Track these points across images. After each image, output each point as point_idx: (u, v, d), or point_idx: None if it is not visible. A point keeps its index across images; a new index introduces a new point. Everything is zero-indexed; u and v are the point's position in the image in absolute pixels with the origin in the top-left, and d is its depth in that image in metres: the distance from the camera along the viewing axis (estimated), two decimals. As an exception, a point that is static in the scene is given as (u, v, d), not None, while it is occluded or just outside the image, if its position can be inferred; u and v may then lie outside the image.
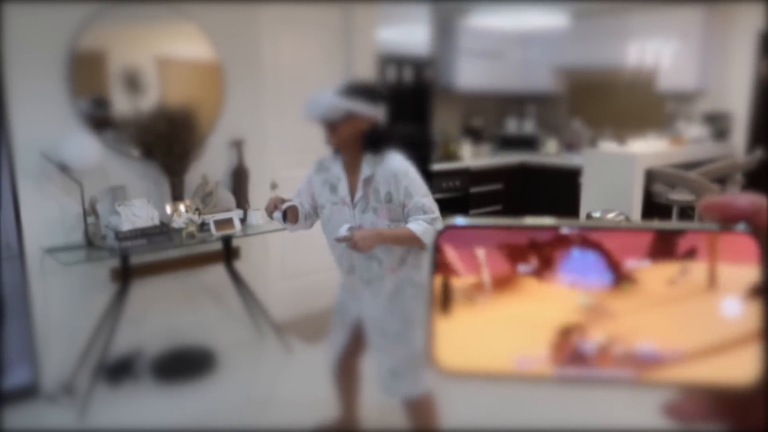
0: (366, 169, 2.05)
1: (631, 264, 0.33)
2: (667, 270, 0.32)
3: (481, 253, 0.33)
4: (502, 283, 0.33)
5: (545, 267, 0.33)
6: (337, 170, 2.13)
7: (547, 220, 0.34)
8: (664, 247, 0.32)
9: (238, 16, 3.38)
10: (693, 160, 4.81)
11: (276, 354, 3.45)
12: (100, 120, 3.02)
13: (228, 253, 3.32)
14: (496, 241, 0.33)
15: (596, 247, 0.33)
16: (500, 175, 6.04)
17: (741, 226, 0.32)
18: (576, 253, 0.33)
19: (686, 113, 5.51)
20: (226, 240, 3.22)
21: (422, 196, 2.04)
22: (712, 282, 0.32)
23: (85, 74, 2.96)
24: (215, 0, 3.26)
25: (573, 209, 4.82)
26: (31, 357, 3.00)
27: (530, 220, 0.33)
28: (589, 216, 4.09)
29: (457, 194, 5.68)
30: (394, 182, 2.02)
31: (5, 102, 2.73)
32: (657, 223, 0.33)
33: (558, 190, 5.87)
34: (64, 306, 3.02)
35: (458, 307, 0.33)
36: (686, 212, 4.57)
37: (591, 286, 0.33)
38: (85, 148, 2.84)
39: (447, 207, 5.62)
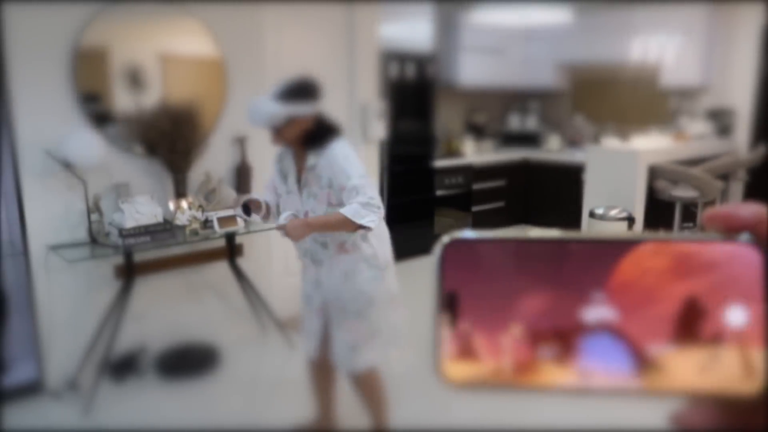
0: (311, 159, 2.14)
1: (656, 349, 0.32)
2: (695, 355, 0.31)
3: (506, 340, 0.33)
4: (521, 367, 0.33)
5: (566, 352, 0.32)
6: (288, 162, 2.23)
7: (553, 233, 0.33)
8: (689, 328, 0.31)
9: (241, 13, 3.37)
10: (696, 156, 4.81)
11: (279, 350, 3.45)
12: (98, 116, 3.02)
13: (231, 250, 3.33)
14: (501, 260, 0.33)
15: (617, 331, 0.32)
16: (503, 171, 6.04)
17: (744, 237, 0.31)
18: (596, 339, 0.32)
19: (689, 109, 5.49)
20: (230, 237, 3.23)
21: (358, 177, 2.08)
22: (748, 367, 0.31)
23: (88, 71, 2.96)
24: (218, -3, 3.26)
25: (576, 206, 4.82)
26: (35, 353, 3.01)
27: (535, 233, 0.33)
28: (592, 213, 4.09)
29: (459, 191, 5.68)
30: (333, 167, 2.10)
31: (9, 99, 2.74)
32: (660, 234, 0.32)
33: (561, 187, 5.86)
34: (68, 303, 3.03)
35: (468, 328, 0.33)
36: (689, 209, 4.56)
37: (611, 376, 0.32)
38: (88, 145, 2.85)
39: (450, 204, 5.63)
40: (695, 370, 0.31)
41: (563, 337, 0.32)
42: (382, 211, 2.10)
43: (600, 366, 0.32)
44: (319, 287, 2.31)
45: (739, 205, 0.32)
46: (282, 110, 2.06)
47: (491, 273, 0.33)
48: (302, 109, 2.10)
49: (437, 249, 0.34)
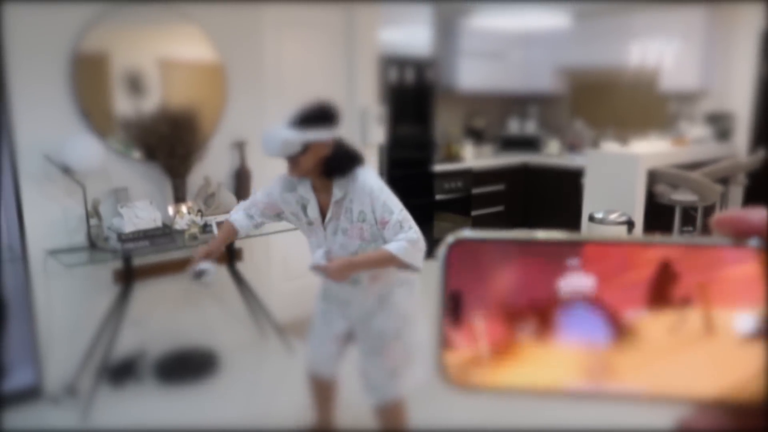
0: (337, 191, 1.99)
1: (630, 315, 0.32)
2: (665, 319, 0.32)
3: (479, 323, 0.33)
4: (501, 350, 0.33)
5: (545, 328, 0.32)
6: (305, 191, 2.06)
7: (559, 234, 0.33)
8: (660, 294, 0.32)
9: (241, 18, 3.38)
10: (696, 160, 4.81)
11: (278, 355, 3.45)
12: (101, 121, 3.01)
13: (230, 255, 3.32)
14: (505, 260, 0.33)
15: (596, 301, 0.32)
16: (502, 176, 6.04)
17: (754, 242, 0.31)
18: (576, 311, 0.32)
19: (689, 113, 5.50)
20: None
21: (399, 211, 1.96)
22: (709, 325, 0.31)
23: (88, 76, 2.96)
24: (217, 1, 3.26)
25: (575, 210, 4.81)
26: (34, 358, 3.00)
27: (542, 234, 0.33)
28: (591, 217, 4.09)
29: (459, 195, 5.68)
30: (369, 200, 1.96)
31: (8, 104, 2.74)
32: (666, 237, 0.32)
33: (560, 191, 5.86)
34: (66, 307, 3.03)
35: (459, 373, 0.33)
36: (689, 213, 4.56)
37: (592, 343, 0.32)
38: (87, 150, 2.85)
39: (449, 208, 5.62)
40: (665, 333, 0.32)
41: (542, 312, 0.33)
42: (422, 242, 1.93)
43: (579, 338, 0.32)
44: (346, 314, 2.21)
45: (748, 210, 0.32)
46: (297, 137, 1.90)
47: (496, 273, 0.33)
48: (319, 135, 1.93)
49: (441, 249, 0.33)
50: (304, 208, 2.07)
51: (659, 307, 0.32)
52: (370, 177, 2.00)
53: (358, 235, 1.99)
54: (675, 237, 0.33)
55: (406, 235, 1.90)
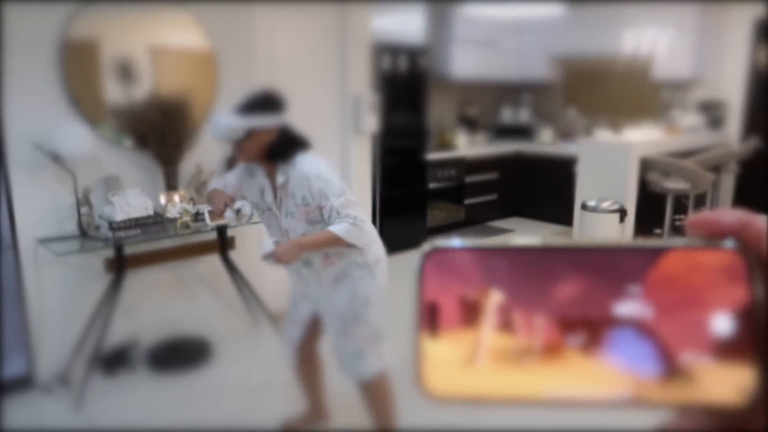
0: (279, 176, 2.06)
1: (689, 358, 0.31)
2: (732, 372, 0.30)
3: (539, 321, 0.32)
4: (547, 352, 0.32)
5: (593, 342, 0.31)
6: (261, 177, 2.14)
7: (534, 240, 0.33)
8: (739, 341, 0.30)
9: (232, 5, 3.35)
10: (688, 148, 4.83)
11: (271, 343, 3.45)
12: (91, 108, 2.99)
13: (223, 243, 3.31)
14: (492, 273, 0.32)
15: (649, 331, 0.31)
16: (495, 164, 6.04)
17: (729, 243, 0.31)
18: (626, 334, 0.31)
19: (681, 102, 5.51)
20: (221, 230, 3.21)
21: (337, 196, 2.01)
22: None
23: (78, 64, 2.93)
24: (208, -12, 3.23)
25: (568, 198, 4.83)
26: (25, 348, 2.99)
27: (519, 240, 0.32)
28: (584, 205, 4.10)
29: (452, 184, 5.68)
30: (307, 186, 2.02)
31: (-4, 91, 2.71)
32: (641, 242, 0.32)
33: (553, 179, 5.88)
34: (58, 296, 3.01)
35: (449, 336, 0.32)
36: (681, 201, 4.58)
37: (639, 373, 0.31)
38: (77, 137, 2.82)
39: (442, 197, 5.63)
40: (727, 389, 0.30)
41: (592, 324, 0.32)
42: (366, 224, 2.04)
43: (627, 362, 0.31)
44: (308, 298, 2.28)
45: (722, 211, 0.32)
46: (240, 123, 1.98)
47: (473, 283, 0.32)
48: (262, 122, 2.01)
49: (418, 259, 0.33)
50: (262, 194, 2.15)
51: (730, 356, 0.30)
52: (309, 163, 2.06)
53: (304, 219, 2.07)
54: (650, 241, 0.32)
55: (345, 218, 1.99)
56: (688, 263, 0.31)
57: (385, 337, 2.27)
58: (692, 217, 0.32)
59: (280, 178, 2.06)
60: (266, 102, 2.05)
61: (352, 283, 2.15)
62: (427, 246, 0.33)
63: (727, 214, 0.31)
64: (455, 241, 0.33)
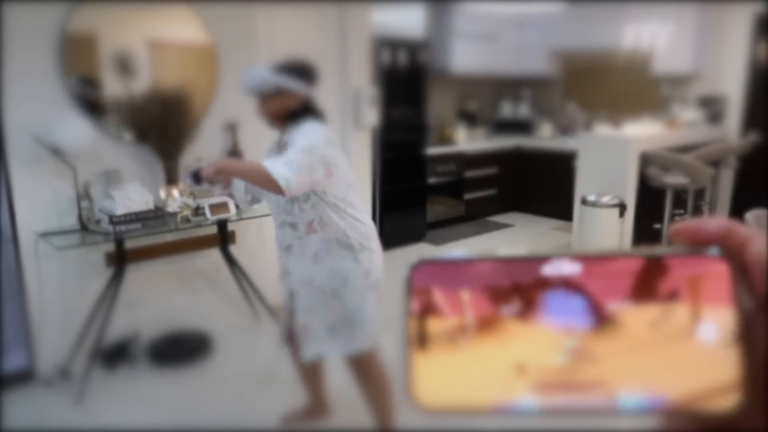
0: (285, 136, 2.12)
1: (613, 306, 0.32)
2: (649, 312, 0.32)
3: (465, 294, 0.33)
4: (485, 324, 0.33)
5: (528, 308, 0.32)
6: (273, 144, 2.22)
7: (521, 251, 0.33)
8: (646, 289, 0.32)
9: (232, -2, 3.34)
10: (687, 143, 4.82)
11: (271, 337, 3.45)
12: (91, 102, 2.99)
13: (223, 237, 3.32)
14: (474, 279, 0.33)
15: (578, 289, 0.32)
16: (495, 159, 6.04)
17: (713, 250, 0.31)
18: (558, 295, 0.32)
19: (681, 96, 5.51)
20: (221, 224, 3.21)
21: (299, 152, 1.96)
22: (694, 324, 0.31)
23: (77, 57, 2.92)
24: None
25: (568, 193, 4.83)
26: (26, 342, 2.99)
27: (504, 251, 0.33)
28: (584, 200, 4.10)
29: (451, 178, 5.68)
30: (294, 141, 2.06)
31: (-4, 85, 2.70)
32: (626, 250, 0.33)
33: (553, 174, 5.88)
34: (59, 290, 3.01)
35: (438, 347, 0.33)
36: (680, 195, 4.59)
37: (574, 328, 0.32)
38: (77, 131, 2.82)
39: (442, 191, 5.63)
40: (648, 327, 0.32)
41: (525, 293, 0.33)
42: (305, 178, 1.95)
43: (561, 321, 0.32)
44: (287, 276, 2.25)
45: (706, 219, 0.32)
46: (273, 78, 2.05)
47: (458, 293, 0.33)
48: (293, 84, 2.07)
49: (405, 271, 0.33)
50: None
51: (644, 300, 0.32)
52: (309, 125, 2.08)
53: None
54: (636, 249, 0.32)
55: (282, 159, 1.96)
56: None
57: (382, 331, 2.25)
58: (676, 224, 0.33)
59: (284, 138, 2.11)
60: (302, 69, 2.12)
61: (332, 260, 2.13)
62: (414, 258, 0.34)
63: (711, 221, 0.32)
64: (443, 255, 0.34)
